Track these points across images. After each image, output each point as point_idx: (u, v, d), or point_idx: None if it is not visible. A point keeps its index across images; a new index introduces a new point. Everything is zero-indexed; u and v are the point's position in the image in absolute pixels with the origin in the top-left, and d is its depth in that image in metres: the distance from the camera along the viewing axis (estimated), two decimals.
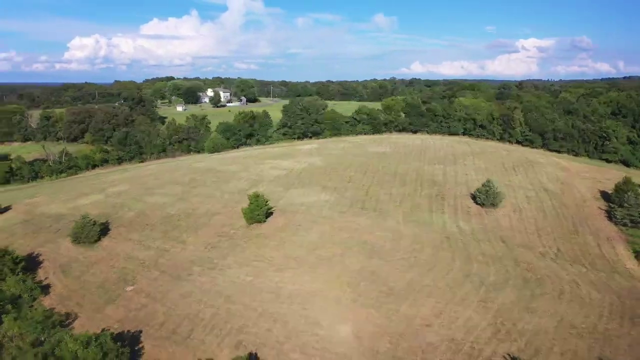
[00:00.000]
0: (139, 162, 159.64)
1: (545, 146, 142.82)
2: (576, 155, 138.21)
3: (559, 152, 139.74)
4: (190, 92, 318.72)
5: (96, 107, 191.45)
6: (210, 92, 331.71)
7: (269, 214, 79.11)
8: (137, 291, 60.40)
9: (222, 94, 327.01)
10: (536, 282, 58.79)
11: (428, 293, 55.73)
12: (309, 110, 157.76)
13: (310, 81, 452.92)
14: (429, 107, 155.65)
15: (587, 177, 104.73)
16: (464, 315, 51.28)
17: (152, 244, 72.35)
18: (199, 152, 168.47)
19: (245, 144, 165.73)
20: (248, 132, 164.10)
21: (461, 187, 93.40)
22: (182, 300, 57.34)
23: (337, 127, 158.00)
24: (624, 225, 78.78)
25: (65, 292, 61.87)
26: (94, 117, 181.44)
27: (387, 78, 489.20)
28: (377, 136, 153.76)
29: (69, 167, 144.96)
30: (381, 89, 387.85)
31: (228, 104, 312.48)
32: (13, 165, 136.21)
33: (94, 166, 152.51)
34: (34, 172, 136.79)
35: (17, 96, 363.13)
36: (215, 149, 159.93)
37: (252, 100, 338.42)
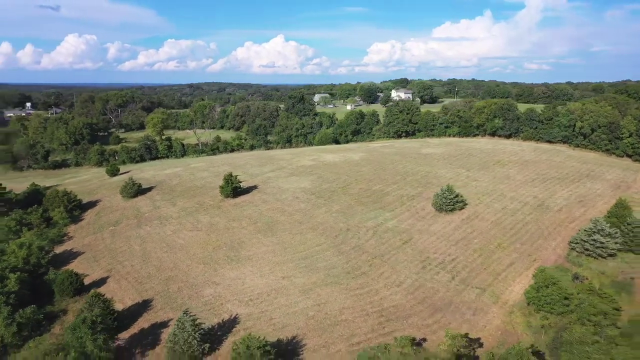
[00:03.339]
0: (265, 149, 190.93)
1: None
2: None
3: None
4: (369, 93, 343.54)
5: (255, 103, 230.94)
6: (393, 93, 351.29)
7: (244, 191, 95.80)
8: (112, 231, 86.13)
9: (402, 95, 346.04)
10: (358, 275, 61.25)
11: (262, 263, 65.38)
12: (406, 111, 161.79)
13: (609, 81, 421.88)
14: (526, 111, 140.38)
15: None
16: (261, 283, 60.08)
17: (157, 203, 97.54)
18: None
19: (350, 140, 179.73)
20: (354, 129, 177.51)
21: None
22: (121, 239, 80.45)
23: (430, 128, 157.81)
24: (574, 249, 67.71)
25: (84, 225, 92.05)
26: (250, 112, 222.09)
27: None
28: (456, 139, 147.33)
29: (212, 149, 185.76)
30: (593, 92, 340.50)
31: None
32: (173, 144, 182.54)
33: (232, 150, 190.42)
34: (184, 150, 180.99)
35: (262, 96, 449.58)
36: (321, 142, 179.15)
37: (430, 101, 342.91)
